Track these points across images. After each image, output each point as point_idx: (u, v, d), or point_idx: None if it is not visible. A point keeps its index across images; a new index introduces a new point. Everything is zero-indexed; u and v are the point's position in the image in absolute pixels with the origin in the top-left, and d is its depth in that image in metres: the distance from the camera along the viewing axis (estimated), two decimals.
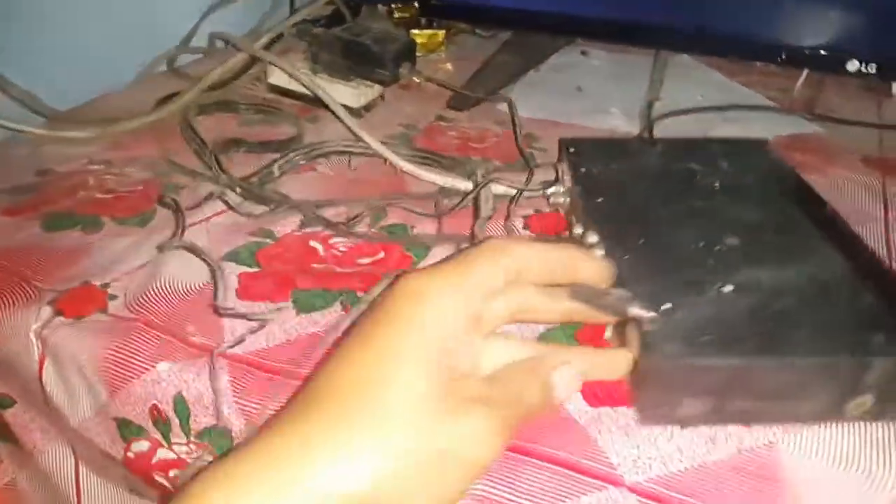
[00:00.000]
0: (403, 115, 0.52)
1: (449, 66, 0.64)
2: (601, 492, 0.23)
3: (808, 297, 0.27)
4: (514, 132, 0.48)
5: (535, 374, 0.23)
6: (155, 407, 0.28)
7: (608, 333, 0.30)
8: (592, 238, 0.31)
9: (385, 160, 0.43)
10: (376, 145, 0.43)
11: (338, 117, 0.47)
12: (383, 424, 0.19)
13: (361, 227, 0.38)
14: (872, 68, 0.44)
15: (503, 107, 0.53)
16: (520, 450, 0.24)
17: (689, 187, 0.36)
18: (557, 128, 0.50)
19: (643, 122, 0.51)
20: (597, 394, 0.26)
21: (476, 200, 0.38)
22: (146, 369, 0.28)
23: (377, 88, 0.52)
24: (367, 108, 0.52)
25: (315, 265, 0.34)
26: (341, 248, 0.36)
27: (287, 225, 0.38)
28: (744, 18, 0.48)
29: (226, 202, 0.39)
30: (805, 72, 0.59)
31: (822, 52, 0.46)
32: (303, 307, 0.31)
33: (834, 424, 0.25)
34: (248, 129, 0.49)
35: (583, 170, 0.37)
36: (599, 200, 0.34)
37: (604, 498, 0.23)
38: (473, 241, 0.36)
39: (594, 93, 0.58)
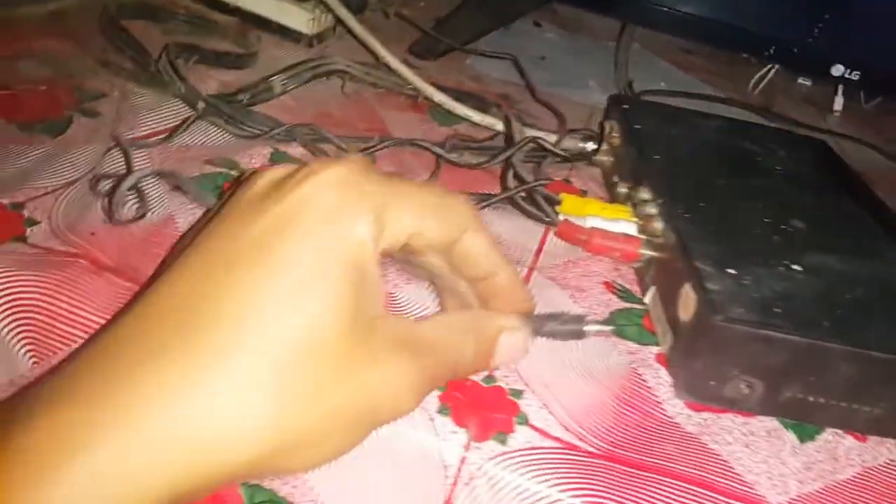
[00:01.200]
0: (360, 54, 0.56)
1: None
2: None
3: (880, 293, 0.34)
4: (531, 90, 0.57)
5: (479, 333, 0.26)
6: None
7: (648, 298, 0.36)
8: (645, 194, 0.38)
9: (406, 87, 0.49)
10: (401, 68, 0.49)
11: (343, 23, 0.52)
12: (276, 366, 0.20)
13: None
14: (856, 76, 0.58)
15: (473, 61, 0.63)
16: (638, 465, 0.28)
17: (749, 166, 0.44)
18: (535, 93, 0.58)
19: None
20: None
21: (509, 158, 0.44)
22: (93, 328, 0.30)
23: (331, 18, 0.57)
24: (320, 38, 0.57)
25: None
26: None
27: (255, 157, 0.42)
28: (734, 7, 0.60)
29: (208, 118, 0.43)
30: (772, 72, 0.77)
31: (811, 53, 0.59)
32: None
33: None
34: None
35: (637, 127, 0.44)
36: (656, 158, 0.41)
37: None
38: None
39: (559, 65, 0.70)
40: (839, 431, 0.32)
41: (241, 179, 0.25)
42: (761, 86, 0.78)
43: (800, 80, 0.87)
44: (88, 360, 0.20)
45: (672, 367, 0.33)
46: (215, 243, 0.22)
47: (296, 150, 0.43)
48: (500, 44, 0.70)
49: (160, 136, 0.42)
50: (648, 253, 0.37)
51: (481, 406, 0.29)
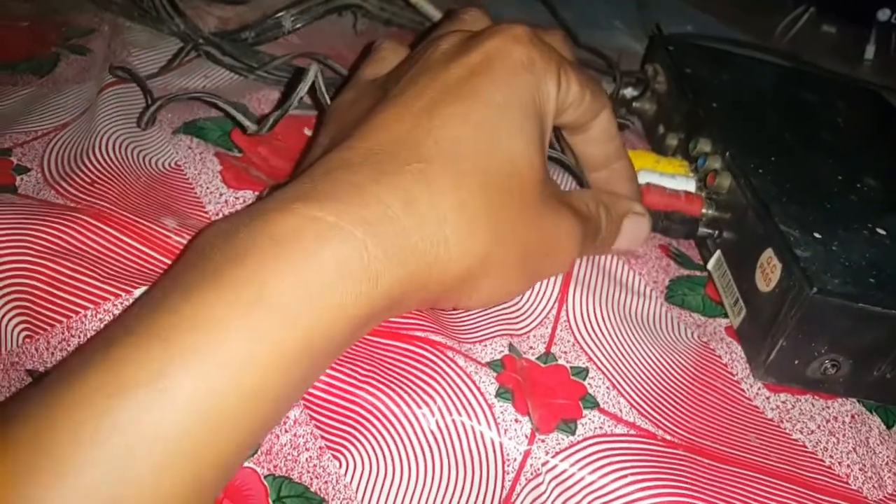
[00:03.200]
0: None
1: None
2: None
3: None
4: (569, 32, 0.52)
5: (610, 210, 0.28)
6: None
7: (712, 264, 0.32)
8: (706, 146, 0.34)
9: (424, 24, 0.45)
10: (421, 2, 0.44)
11: None
12: (486, 194, 0.22)
13: None
14: None
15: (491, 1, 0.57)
16: (723, 458, 0.25)
17: (811, 117, 0.40)
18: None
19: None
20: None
21: None
22: (104, 296, 0.25)
23: None
24: None
25: None
26: None
27: (263, 101, 0.37)
28: None
29: (214, 58, 0.38)
30: (805, 17, 0.72)
31: None
32: None
33: None
34: None
35: (688, 71, 0.40)
36: (714, 106, 0.36)
37: None
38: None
39: (580, 5, 0.64)
40: None
41: (431, 38, 0.26)
42: (792, 32, 0.74)
43: (825, 28, 0.82)
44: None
45: (747, 343, 0.29)
46: (411, 91, 0.23)
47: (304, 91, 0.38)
48: None
49: (157, 78, 0.37)
50: (712, 213, 0.33)
51: (542, 390, 0.25)
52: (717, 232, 0.33)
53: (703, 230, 0.33)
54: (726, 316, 0.31)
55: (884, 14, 0.57)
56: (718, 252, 0.32)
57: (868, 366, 0.27)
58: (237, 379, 0.18)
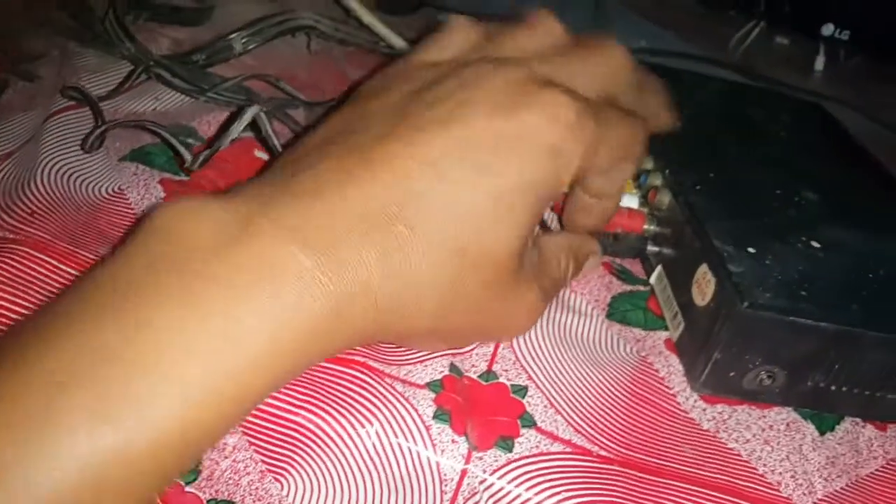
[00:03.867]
0: (328, 7, 0.53)
1: None
2: None
3: None
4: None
5: (576, 255, 0.29)
6: None
7: (654, 278, 0.33)
8: (648, 163, 0.35)
9: (380, 44, 0.45)
10: (375, 23, 0.45)
11: None
12: (455, 258, 0.22)
13: None
14: (845, 35, 0.56)
15: (446, 17, 0.58)
16: (657, 470, 0.25)
17: (753, 131, 0.41)
18: None
19: None
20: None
21: None
22: None
23: None
24: None
25: None
26: None
27: (213, 123, 0.38)
28: None
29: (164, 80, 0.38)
30: (756, 31, 0.73)
31: (802, 10, 0.57)
32: None
33: None
34: None
35: None
36: None
37: None
38: None
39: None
40: (859, 421, 0.29)
41: (492, 52, 0.26)
42: (744, 45, 0.75)
43: (777, 40, 0.84)
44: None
45: (685, 356, 0.30)
46: (436, 132, 0.22)
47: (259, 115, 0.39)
48: None
49: (106, 103, 0.37)
50: (654, 229, 0.34)
51: (482, 408, 0.25)
52: (659, 248, 0.33)
53: (649, 248, 0.34)
54: (667, 329, 0.31)
55: (827, 29, 0.59)
56: (660, 267, 0.33)
57: (802, 376, 0.28)
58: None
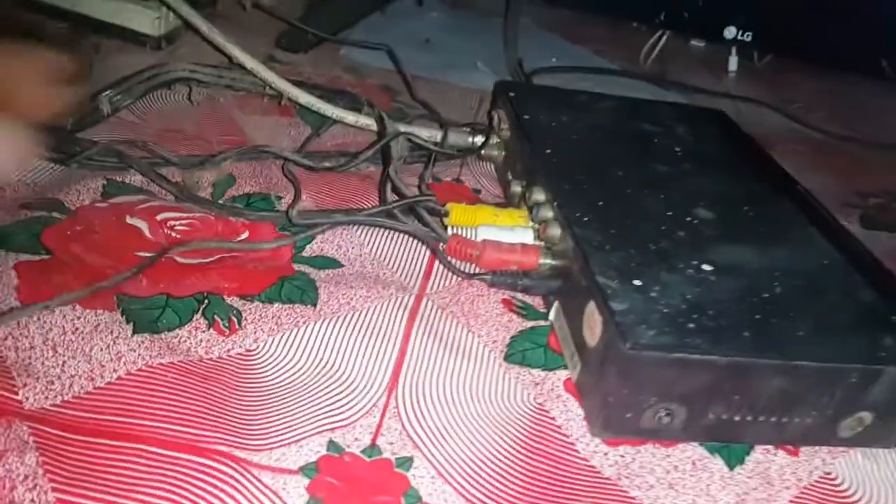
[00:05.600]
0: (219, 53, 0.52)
1: None
2: None
3: (799, 286, 0.30)
4: (407, 85, 0.52)
5: None
6: None
7: (552, 315, 0.32)
8: (539, 195, 0.33)
9: (268, 87, 0.43)
10: (258, 68, 0.43)
11: (186, 22, 0.45)
12: None
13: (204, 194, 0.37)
14: (748, 36, 0.56)
15: (348, 52, 0.57)
16: None
17: (648, 150, 0.40)
18: (418, 82, 0.53)
19: (517, 80, 0.59)
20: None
21: (385, 158, 0.39)
22: None
23: None
24: (169, 38, 0.50)
25: (142, 253, 0.32)
26: (179, 227, 0.34)
27: (84, 192, 0.35)
28: None
29: None
30: (664, 39, 0.74)
31: (701, 16, 0.57)
32: (141, 324, 0.28)
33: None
34: None
35: (526, 118, 0.39)
36: (548, 153, 0.36)
37: None
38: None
39: (445, 47, 0.66)
40: (770, 448, 0.28)
41: None
42: (654, 53, 0.75)
43: (693, 43, 0.84)
44: None
45: (585, 397, 0.28)
46: None
47: (134, 177, 0.37)
48: (381, 27, 0.65)
49: None
50: (550, 262, 0.32)
51: (362, 489, 0.23)
52: (556, 282, 0.32)
53: (549, 283, 0.32)
54: (566, 368, 0.30)
55: (729, 32, 0.59)
56: (557, 303, 0.32)
57: (702, 410, 0.27)
58: None
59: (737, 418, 0.27)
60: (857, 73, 0.66)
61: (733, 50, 0.77)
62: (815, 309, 0.29)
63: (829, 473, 0.28)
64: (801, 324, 0.28)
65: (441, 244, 0.34)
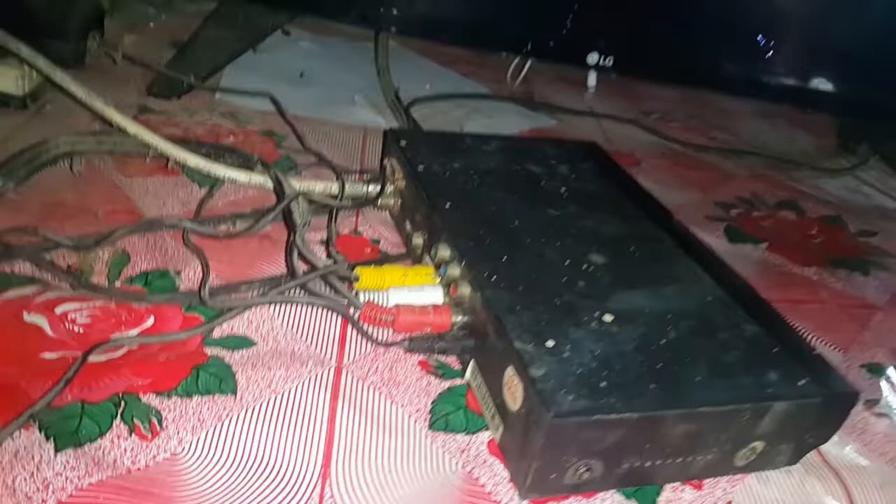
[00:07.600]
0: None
1: (133, 37, 0.64)
2: None
3: (691, 327, 0.32)
4: (297, 136, 0.51)
5: None
6: None
7: (469, 374, 0.32)
8: (445, 252, 0.34)
9: (149, 152, 0.41)
10: (140, 131, 0.40)
11: (55, 83, 0.41)
12: None
13: (98, 279, 0.35)
14: (610, 61, 0.60)
15: (222, 95, 0.57)
16: None
17: (537, 193, 0.42)
18: (300, 123, 0.54)
19: (395, 112, 0.60)
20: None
21: (286, 219, 0.38)
22: None
23: None
24: (34, 96, 0.47)
25: (48, 355, 0.30)
26: (81, 321, 0.32)
27: None
28: (485, 9, 0.59)
29: None
30: (528, 63, 0.79)
31: (566, 44, 0.61)
32: (61, 439, 0.26)
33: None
34: None
35: (420, 168, 0.40)
36: (447, 207, 0.37)
37: None
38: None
39: (320, 79, 0.66)
40: (678, 485, 0.31)
41: None
42: (521, 76, 0.78)
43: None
44: None
45: (509, 459, 0.29)
46: None
47: (24, 266, 0.34)
48: (253, 62, 0.64)
49: None
50: (462, 320, 0.33)
51: None
52: (469, 341, 0.33)
53: (463, 343, 0.33)
54: (487, 428, 0.31)
55: (592, 58, 0.62)
56: (473, 361, 0.32)
57: (618, 461, 0.28)
58: None
59: (647, 464, 0.29)
60: (713, 89, 0.72)
61: (592, 69, 0.81)
62: (709, 349, 0.31)
63: (730, 502, 0.30)
64: (698, 368, 0.30)
65: (354, 310, 0.34)
